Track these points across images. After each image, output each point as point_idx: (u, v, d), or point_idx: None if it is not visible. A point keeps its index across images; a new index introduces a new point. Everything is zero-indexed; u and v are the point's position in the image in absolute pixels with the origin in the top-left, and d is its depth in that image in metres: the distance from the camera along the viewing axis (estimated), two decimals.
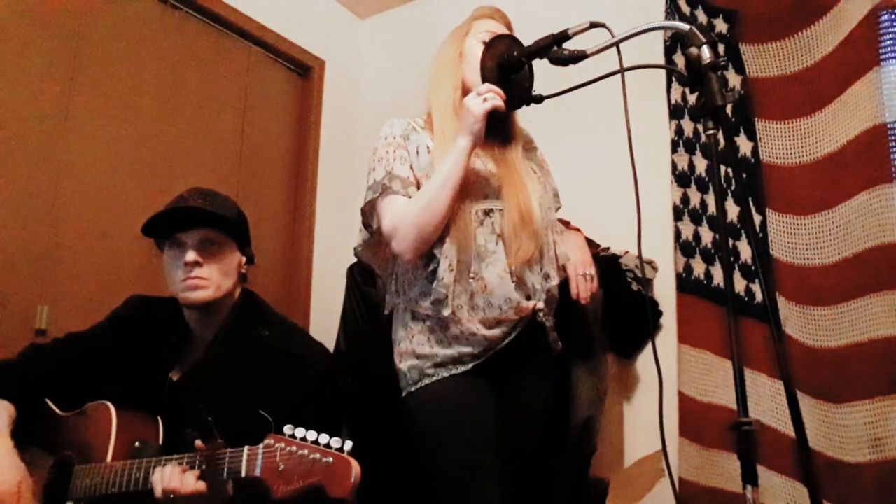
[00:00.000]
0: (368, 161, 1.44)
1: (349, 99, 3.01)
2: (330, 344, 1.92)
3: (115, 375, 1.31)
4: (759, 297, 1.89)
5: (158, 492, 1.04)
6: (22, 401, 1.23)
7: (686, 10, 2.11)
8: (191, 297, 1.28)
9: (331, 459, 0.91)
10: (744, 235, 1.94)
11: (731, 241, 1.94)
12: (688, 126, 2.09)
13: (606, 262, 1.97)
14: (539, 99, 1.39)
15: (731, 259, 1.93)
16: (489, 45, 1.36)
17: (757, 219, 1.91)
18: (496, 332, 1.34)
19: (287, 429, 0.96)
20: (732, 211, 1.97)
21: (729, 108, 1.96)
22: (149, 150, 2.18)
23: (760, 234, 1.90)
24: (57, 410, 1.30)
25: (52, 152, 1.91)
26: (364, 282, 2.04)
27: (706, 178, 2.05)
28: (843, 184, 1.78)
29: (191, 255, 1.26)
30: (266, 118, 2.67)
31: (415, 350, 1.38)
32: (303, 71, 2.85)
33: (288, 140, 2.77)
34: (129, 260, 2.03)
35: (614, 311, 1.93)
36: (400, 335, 1.43)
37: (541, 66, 1.36)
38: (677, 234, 2.04)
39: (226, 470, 1.00)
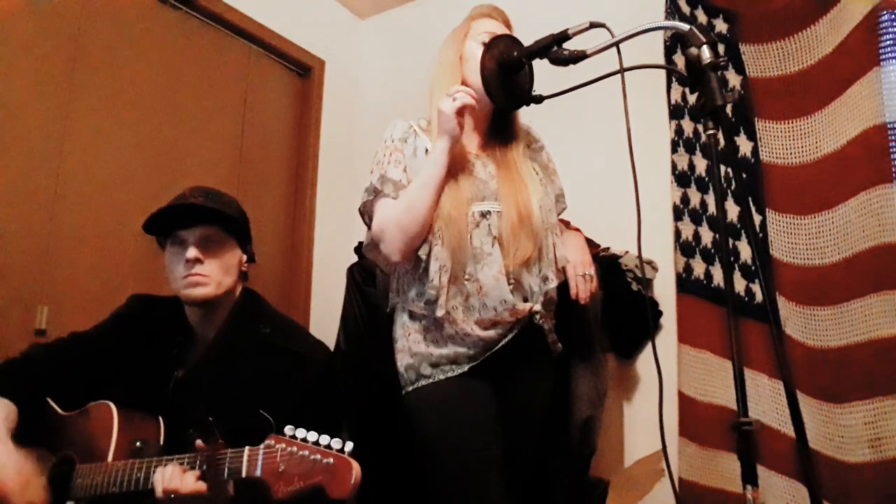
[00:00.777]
0: (370, 163, 1.46)
1: (349, 99, 3.01)
2: (330, 344, 1.92)
3: (117, 375, 1.31)
4: (759, 297, 1.89)
5: (159, 492, 1.04)
6: (24, 400, 1.24)
7: (686, 10, 2.11)
8: (191, 294, 1.28)
9: (331, 460, 0.91)
10: (744, 235, 1.94)
11: (731, 241, 1.94)
12: (688, 126, 2.09)
13: (606, 262, 1.97)
14: (539, 99, 1.39)
15: (731, 259, 1.93)
16: (489, 46, 1.36)
17: (757, 219, 1.91)
18: (491, 333, 1.35)
19: (288, 429, 0.96)
20: (732, 211, 1.97)
21: (729, 108, 1.96)
22: (149, 150, 2.18)
23: (760, 234, 1.90)
24: (59, 410, 1.30)
25: (52, 152, 1.91)
26: (364, 282, 2.04)
27: (706, 178, 2.05)
28: (843, 184, 1.78)
29: (192, 252, 1.27)
30: (266, 118, 2.67)
31: (411, 348, 1.38)
32: (303, 71, 2.85)
33: (288, 140, 2.77)
34: (129, 259, 2.03)
35: (614, 311, 1.93)
36: (398, 333, 1.44)
37: (541, 66, 1.36)
38: (677, 234, 2.04)
39: (226, 470, 1.00)
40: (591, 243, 1.81)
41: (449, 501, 1.31)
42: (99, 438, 1.19)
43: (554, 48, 1.26)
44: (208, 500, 1.03)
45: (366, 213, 1.45)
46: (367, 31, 3.14)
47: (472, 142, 1.48)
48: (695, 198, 2.05)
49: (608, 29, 1.18)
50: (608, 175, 2.08)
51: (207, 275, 1.28)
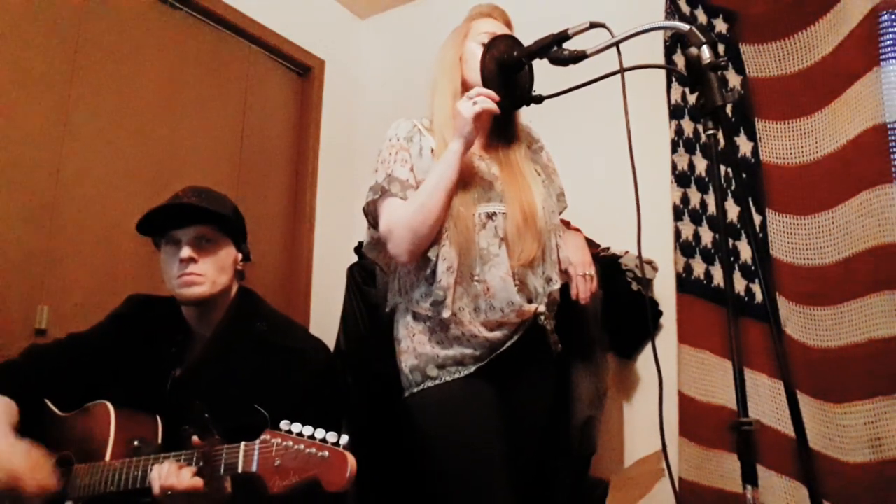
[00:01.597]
0: (373, 162, 1.46)
1: (349, 99, 3.01)
2: (330, 344, 1.92)
3: (115, 375, 1.31)
4: (759, 297, 1.89)
5: (157, 489, 1.04)
6: (23, 401, 1.24)
7: (686, 10, 2.11)
8: (186, 294, 1.29)
9: (326, 454, 0.92)
10: (744, 235, 1.94)
11: (731, 241, 1.94)
12: (688, 126, 2.09)
13: (606, 262, 1.97)
14: (539, 99, 1.40)
15: (731, 259, 1.93)
16: (489, 46, 1.36)
17: (757, 219, 1.91)
18: (497, 334, 1.35)
19: (283, 424, 0.97)
20: (732, 211, 1.97)
21: (729, 108, 1.96)
22: (149, 150, 2.18)
23: (760, 234, 1.90)
24: (57, 411, 1.30)
25: (52, 153, 1.91)
26: (364, 282, 2.04)
27: (706, 178, 2.05)
28: (843, 184, 1.78)
29: (185, 252, 1.27)
30: (266, 118, 2.67)
31: (416, 349, 1.38)
32: (303, 71, 2.85)
33: (288, 140, 2.77)
34: (128, 260, 2.03)
35: (614, 311, 1.93)
36: (401, 334, 1.43)
37: (541, 66, 1.36)
38: (677, 234, 2.04)
39: (223, 466, 1.00)
40: (591, 243, 1.81)
41: (457, 499, 1.31)
42: (96, 438, 1.19)
43: (554, 48, 1.27)
44: (205, 497, 1.03)
45: (370, 213, 1.44)
46: (367, 31, 3.14)
47: (475, 142, 1.48)
48: (695, 198, 2.05)
49: (608, 29, 1.18)
50: (608, 175, 2.08)
51: (202, 274, 1.28)
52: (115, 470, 1.14)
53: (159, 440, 1.21)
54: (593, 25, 1.20)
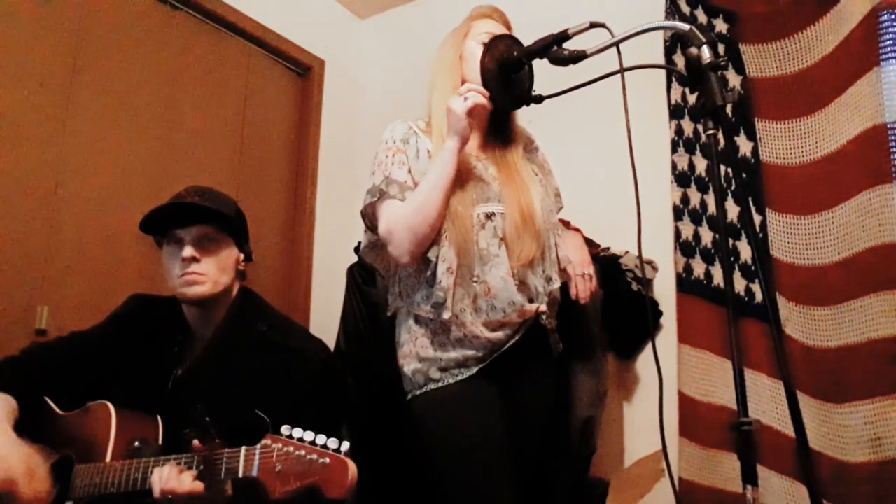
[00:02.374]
0: (370, 164, 1.45)
1: (349, 99, 3.01)
2: (330, 344, 1.92)
3: (116, 375, 1.31)
4: (759, 297, 1.89)
5: (157, 492, 1.04)
6: (23, 398, 1.24)
7: (686, 10, 2.11)
8: (188, 293, 1.29)
9: (327, 460, 0.92)
10: (744, 235, 1.94)
11: (731, 241, 1.94)
12: (688, 126, 2.09)
13: (606, 262, 1.97)
14: (539, 99, 1.39)
15: (731, 259, 1.93)
16: (489, 46, 1.36)
17: (757, 219, 1.91)
18: (499, 334, 1.35)
19: (284, 429, 0.96)
20: (732, 211, 1.97)
21: (729, 108, 1.96)
22: (149, 149, 2.18)
23: (760, 234, 1.90)
24: (57, 409, 1.30)
25: (52, 152, 1.91)
26: (364, 282, 2.04)
27: (706, 178, 2.05)
28: (843, 184, 1.78)
29: (188, 251, 1.27)
30: (266, 118, 2.67)
31: (418, 353, 1.38)
32: (303, 71, 2.85)
33: (288, 140, 2.77)
34: (129, 260, 2.03)
35: (614, 311, 1.93)
36: (403, 338, 1.43)
37: (541, 66, 1.36)
38: (677, 234, 2.04)
39: (223, 470, 1.00)
40: (591, 243, 1.81)
41: (462, 500, 1.30)
42: (97, 438, 1.19)
43: (554, 48, 1.26)
44: (206, 501, 1.03)
45: (368, 216, 1.43)
46: (367, 31, 3.14)
47: (472, 143, 1.47)
48: (695, 198, 2.05)
49: (608, 29, 1.18)
50: (608, 175, 2.08)
51: (204, 273, 1.29)
52: (115, 471, 1.14)
53: (160, 441, 1.21)
54: (593, 25, 1.20)
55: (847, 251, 1.76)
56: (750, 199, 1.92)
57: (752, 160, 1.96)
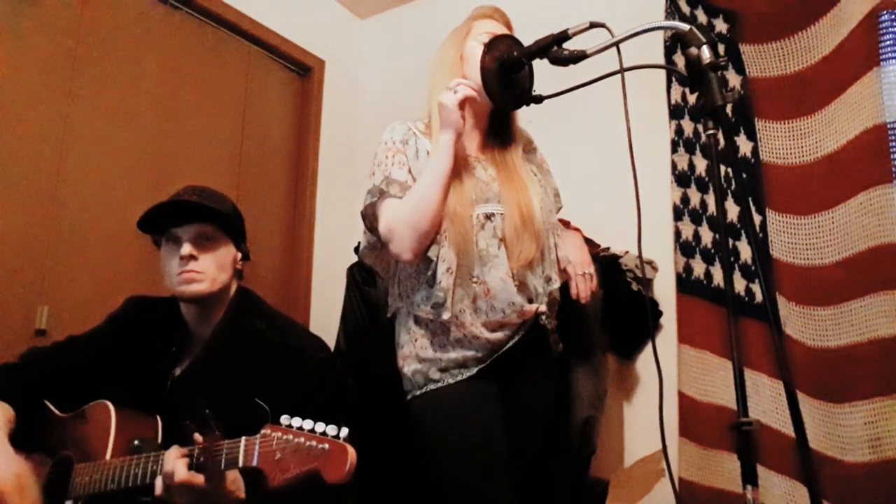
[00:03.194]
0: (369, 165, 1.45)
1: (349, 99, 3.01)
2: (330, 344, 1.92)
3: (115, 376, 1.31)
4: (759, 297, 1.89)
5: (159, 489, 1.04)
6: (22, 404, 1.24)
7: (686, 10, 2.11)
8: (186, 291, 1.29)
9: (327, 446, 0.92)
10: (744, 235, 1.94)
11: (731, 241, 1.94)
12: (688, 126, 2.09)
13: (606, 262, 1.97)
14: (539, 99, 1.39)
15: (731, 259, 1.93)
16: (489, 46, 1.36)
17: (757, 219, 1.91)
18: (499, 335, 1.35)
19: (284, 418, 0.97)
20: (732, 211, 1.97)
21: (729, 108, 1.96)
22: (149, 150, 2.18)
23: (760, 234, 1.90)
24: (56, 412, 1.30)
25: (52, 153, 1.91)
26: (364, 282, 2.04)
27: (706, 178, 2.05)
28: (843, 184, 1.78)
29: (186, 249, 1.28)
30: (266, 118, 2.67)
31: (418, 354, 1.38)
32: (303, 71, 2.85)
33: (288, 140, 2.77)
34: (129, 259, 2.03)
35: (614, 311, 1.93)
36: (403, 339, 1.43)
37: (541, 66, 1.36)
38: (677, 234, 2.04)
39: (223, 461, 1.01)
40: (591, 243, 1.81)
41: (462, 500, 1.31)
42: (97, 438, 1.19)
43: (554, 48, 1.26)
44: (207, 493, 1.03)
45: (368, 217, 1.43)
46: (367, 31, 3.14)
47: (471, 143, 1.48)
48: (695, 198, 2.05)
49: (608, 29, 1.18)
50: (608, 175, 2.08)
51: (202, 271, 1.29)
52: (115, 468, 1.14)
53: (159, 439, 1.21)
54: (593, 25, 1.20)
55: (847, 251, 1.76)
56: (750, 199, 1.92)
57: (752, 160, 1.96)
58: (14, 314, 1.78)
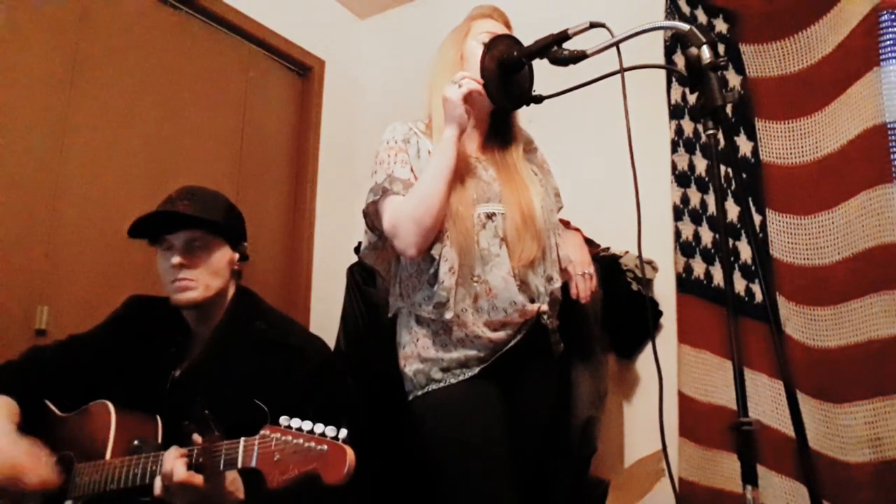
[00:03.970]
0: (371, 164, 1.45)
1: (349, 99, 3.01)
2: (330, 344, 1.92)
3: (115, 375, 1.31)
4: (759, 297, 1.89)
5: (158, 489, 1.04)
6: (23, 402, 1.24)
7: (686, 10, 2.11)
8: (180, 299, 1.29)
9: (325, 447, 0.92)
10: (744, 235, 1.94)
11: (731, 241, 1.94)
12: (688, 126, 2.09)
13: (606, 262, 1.97)
14: (539, 99, 1.39)
15: (731, 259, 1.93)
16: (489, 46, 1.36)
17: (757, 219, 1.91)
18: (501, 334, 1.35)
19: (283, 419, 0.97)
20: (732, 211, 1.97)
21: (729, 108, 1.96)
22: (149, 150, 2.18)
23: (760, 234, 1.90)
24: (57, 412, 1.30)
25: (52, 153, 1.91)
26: (364, 282, 2.04)
27: (706, 178, 2.05)
28: (843, 184, 1.78)
29: (175, 259, 1.27)
30: (266, 118, 2.67)
31: (420, 354, 1.38)
32: (303, 71, 2.85)
33: (288, 140, 2.77)
34: (128, 260, 2.03)
35: (614, 311, 1.93)
36: (405, 339, 1.43)
37: (541, 66, 1.36)
38: (677, 234, 2.04)
39: (222, 462, 1.01)
40: (591, 243, 1.81)
41: (464, 500, 1.30)
42: (97, 438, 1.19)
43: (554, 48, 1.26)
44: (206, 493, 1.03)
45: (370, 215, 1.43)
46: (367, 31, 3.14)
47: (471, 144, 1.48)
48: (695, 198, 2.05)
49: (608, 29, 1.17)
50: (608, 175, 2.08)
51: (194, 279, 1.28)
52: (115, 468, 1.14)
53: (159, 440, 1.21)
54: (593, 25, 1.20)
55: (847, 251, 1.76)
56: (750, 199, 1.92)
57: (752, 160, 1.96)
58: (14, 314, 1.78)
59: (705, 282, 1.99)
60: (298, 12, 2.79)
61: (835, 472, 1.66)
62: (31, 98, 1.87)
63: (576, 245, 1.55)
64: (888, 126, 1.72)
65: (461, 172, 1.37)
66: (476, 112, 1.46)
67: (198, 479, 1.02)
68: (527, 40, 1.33)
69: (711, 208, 2.02)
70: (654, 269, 2.05)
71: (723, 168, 1.90)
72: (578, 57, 1.22)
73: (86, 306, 1.88)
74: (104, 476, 1.14)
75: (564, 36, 1.24)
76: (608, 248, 2.03)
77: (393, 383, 1.45)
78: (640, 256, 1.12)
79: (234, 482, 1.09)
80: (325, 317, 2.48)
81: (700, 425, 1.90)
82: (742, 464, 0.84)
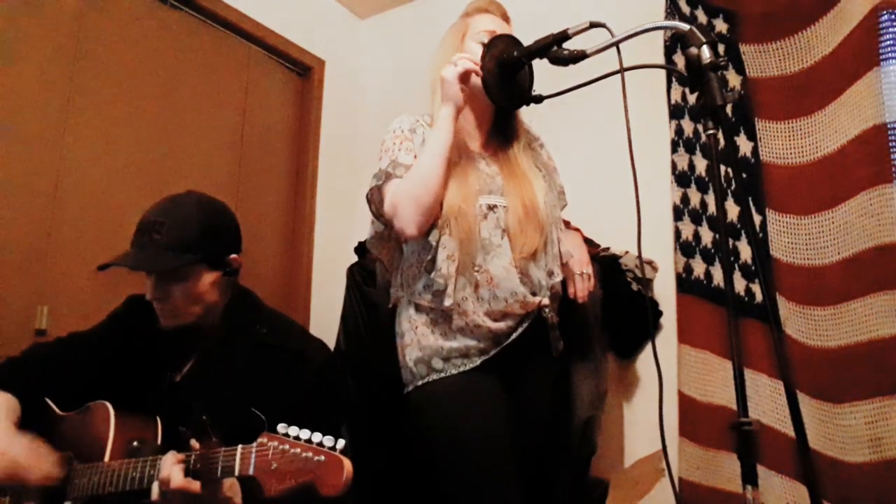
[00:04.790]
0: (376, 154, 1.45)
1: (349, 99, 3.01)
2: (330, 344, 1.92)
3: (115, 376, 1.31)
4: (759, 297, 1.89)
5: (155, 495, 1.04)
6: (24, 399, 1.24)
7: (686, 10, 2.11)
8: (164, 325, 1.28)
9: (323, 458, 0.92)
10: (744, 235, 1.94)
11: (731, 241, 1.94)
12: (688, 126, 2.09)
13: (606, 262, 1.97)
14: (539, 99, 1.39)
15: (731, 259, 1.93)
16: (489, 46, 1.36)
17: (757, 219, 1.91)
18: (501, 325, 1.35)
19: (281, 427, 0.97)
20: (732, 211, 1.97)
21: (729, 108, 1.96)
22: (149, 150, 2.18)
23: (760, 234, 1.90)
24: (57, 410, 1.30)
25: (52, 152, 1.91)
26: (364, 282, 2.04)
27: (706, 178, 2.05)
28: (843, 184, 1.78)
29: (148, 294, 1.26)
30: (266, 118, 2.67)
31: (419, 341, 1.38)
32: (303, 71, 2.85)
33: (288, 140, 2.77)
34: None
35: (614, 311, 1.93)
36: (404, 327, 1.43)
37: (541, 66, 1.36)
38: (677, 234, 2.04)
39: (220, 469, 1.00)
40: (591, 243, 1.81)
41: (467, 496, 1.30)
42: (96, 439, 1.19)
43: (554, 48, 1.26)
44: (202, 500, 1.03)
45: (373, 201, 1.43)
46: (367, 31, 3.14)
47: (474, 141, 1.48)
48: (695, 198, 2.05)
49: (608, 29, 1.17)
50: (608, 175, 2.08)
51: (171, 308, 1.27)
52: (113, 470, 1.14)
53: (159, 441, 1.21)
54: (593, 25, 1.20)
55: (847, 251, 1.76)
56: (750, 199, 1.92)
57: (752, 160, 1.96)
58: (14, 314, 1.78)
59: (705, 282, 1.99)
60: (298, 12, 2.79)
61: (835, 472, 1.66)
62: (31, 98, 1.87)
63: (575, 245, 1.55)
64: (888, 126, 1.72)
65: (463, 167, 1.37)
66: (478, 111, 1.46)
67: (195, 486, 1.02)
68: (527, 40, 1.33)
69: (711, 208, 2.02)
70: (654, 269, 2.05)
71: (723, 168, 1.90)
72: (578, 57, 1.22)
73: (86, 306, 1.88)
74: (102, 478, 1.14)
75: (564, 36, 1.24)
76: (608, 248, 2.03)
77: (393, 383, 1.45)
78: (640, 256, 1.12)
79: (231, 487, 1.08)
80: (325, 317, 2.48)
81: (700, 425, 1.90)
82: (742, 464, 0.84)
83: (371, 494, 1.76)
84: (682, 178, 2.06)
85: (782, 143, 1.93)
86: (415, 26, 2.96)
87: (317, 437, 0.94)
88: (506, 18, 1.52)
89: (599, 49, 1.18)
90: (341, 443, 0.94)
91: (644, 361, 2.11)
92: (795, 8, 1.92)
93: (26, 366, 1.31)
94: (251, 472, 0.96)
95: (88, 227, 1.97)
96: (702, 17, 2.09)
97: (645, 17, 2.02)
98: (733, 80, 2.00)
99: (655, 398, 1.05)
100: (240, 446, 0.99)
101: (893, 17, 1.77)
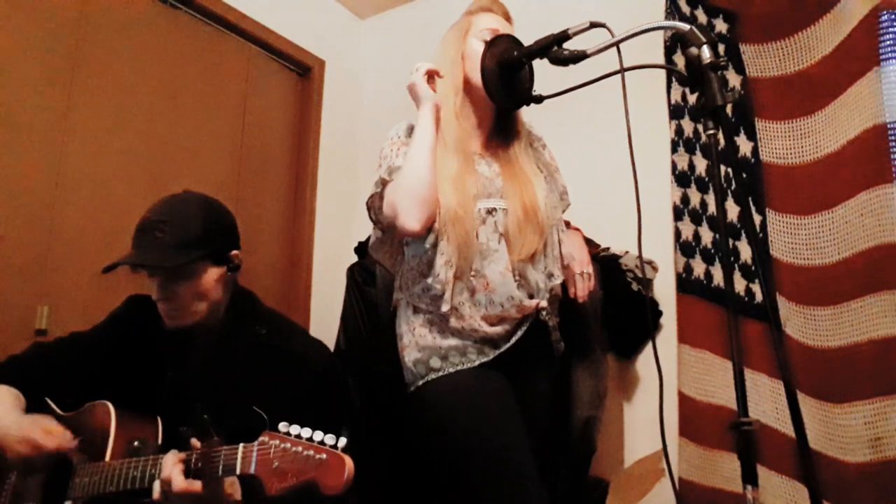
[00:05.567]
0: (374, 161, 1.46)
1: (349, 99, 3.01)
2: (330, 344, 1.92)
3: (116, 375, 1.31)
4: (759, 297, 1.89)
5: (156, 495, 1.04)
6: (26, 397, 1.24)
7: (686, 10, 2.11)
8: (169, 325, 1.28)
9: (324, 456, 0.92)
10: (744, 235, 1.94)
11: (731, 241, 1.94)
12: (688, 126, 2.09)
13: (606, 262, 1.97)
14: (539, 99, 1.39)
15: (731, 259, 1.93)
16: (489, 45, 1.37)
17: (757, 219, 1.91)
18: (498, 329, 1.35)
19: (282, 426, 0.97)
20: (732, 211, 1.97)
21: (729, 108, 1.96)
22: (149, 149, 2.18)
23: (760, 234, 1.90)
24: (57, 410, 1.30)
25: (52, 152, 1.91)
26: (364, 282, 2.04)
27: (706, 178, 2.05)
28: (843, 184, 1.78)
29: (154, 295, 1.26)
30: (266, 118, 2.67)
31: (418, 342, 1.38)
32: (303, 71, 2.85)
33: (288, 140, 2.77)
34: None
35: (614, 311, 1.93)
36: (403, 329, 1.43)
37: (541, 66, 1.36)
38: (677, 234, 2.04)
39: (221, 468, 1.00)
40: (591, 243, 1.81)
41: (484, 489, 1.28)
42: (97, 438, 1.19)
43: (554, 48, 1.26)
44: (204, 499, 1.03)
45: (373, 207, 1.43)
46: (367, 31, 3.14)
47: (475, 141, 1.48)
48: (695, 198, 2.05)
49: (608, 29, 1.18)
50: (608, 175, 2.08)
51: (176, 307, 1.27)
52: (114, 470, 1.14)
53: (159, 441, 1.21)
54: (593, 25, 1.20)
55: (847, 251, 1.76)
56: (750, 199, 1.92)
57: (752, 160, 1.96)
58: (14, 314, 1.78)
59: (705, 282, 1.99)
60: (298, 12, 2.79)
61: (835, 472, 1.66)
62: (31, 98, 1.87)
63: (575, 245, 1.55)
64: (888, 126, 1.72)
65: (462, 171, 1.37)
66: (479, 111, 1.46)
67: (196, 486, 1.02)
68: (527, 40, 1.33)
69: (711, 208, 2.02)
70: (654, 269, 2.05)
71: (723, 168, 1.90)
72: (578, 57, 1.22)
73: (86, 306, 1.88)
74: (103, 477, 1.14)
75: (564, 36, 1.24)
76: (608, 248, 2.03)
77: (393, 383, 1.45)
78: (640, 256, 1.12)
79: (232, 485, 1.09)
80: (325, 317, 2.48)
81: (700, 425, 1.90)
82: (742, 464, 0.85)
83: (372, 493, 1.76)
84: (682, 178, 2.07)
85: (782, 143, 1.93)
86: (415, 26, 2.96)
87: (318, 435, 0.94)
88: (508, 18, 1.52)
89: (600, 49, 1.18)
90: (343, 441, 0.94)
91: (644, 361, 2.11)
92: (795, 8, 1.92)
93: (27, 365, 1.31)
94: (253, 470, 0.96)
95: (88, 226, 1.97)
96: (702, 17, 2.09)
97: (645, 17, 2.02)
98: (733, 80, 2.00)
99: (655, 398, 1.05)
100: (241, 445, 0.99)
101: (893, 17, 1.77)
